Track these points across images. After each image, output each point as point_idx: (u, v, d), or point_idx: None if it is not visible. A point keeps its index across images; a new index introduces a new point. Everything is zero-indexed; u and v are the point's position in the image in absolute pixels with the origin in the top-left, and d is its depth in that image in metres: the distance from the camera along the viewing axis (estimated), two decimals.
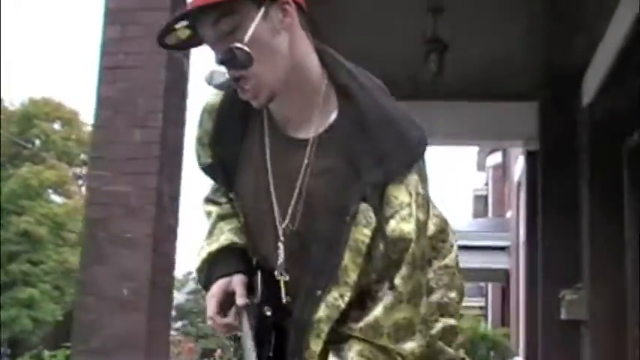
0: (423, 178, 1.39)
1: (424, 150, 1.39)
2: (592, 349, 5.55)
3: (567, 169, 6.13)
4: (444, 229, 1.66)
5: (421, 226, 1.36)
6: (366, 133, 1.35)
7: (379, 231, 1.32)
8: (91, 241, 3.41)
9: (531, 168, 6.62)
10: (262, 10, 1.31)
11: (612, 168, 5.65)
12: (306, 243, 1.38)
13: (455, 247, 1.67)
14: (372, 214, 1.33)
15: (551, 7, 5.20)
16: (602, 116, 5.74)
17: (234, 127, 1.46)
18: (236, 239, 1.52)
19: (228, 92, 1.44)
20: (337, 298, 1.34)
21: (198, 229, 1.62)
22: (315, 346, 1.34)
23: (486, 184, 17.04)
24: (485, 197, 17.20)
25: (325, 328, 1.34)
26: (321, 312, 1.34)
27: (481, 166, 19.31)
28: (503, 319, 11.82)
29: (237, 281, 1.49)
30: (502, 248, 11.98)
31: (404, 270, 1.33)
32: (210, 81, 1.35)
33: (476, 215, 20.36)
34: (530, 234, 6.51)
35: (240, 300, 1.44)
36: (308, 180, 1.37)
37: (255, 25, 1.30)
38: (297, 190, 1.38)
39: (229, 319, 1.48)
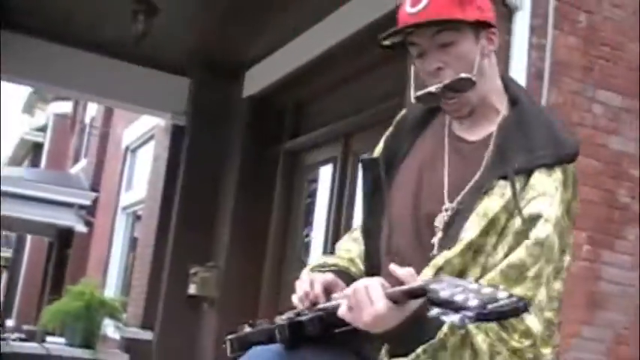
0: (568, 185, 1.49)
1: (575, 155, 1.51)
2: (218, 324, 6.05)
3: (214, 150, 6.54)
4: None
5: (559, 222, 1.43)
6: (522, 131, 1.52)
7: (514, 208, 1.42)
8: None
9: (175, 142, 6.84)
10: (480, 37, 1.54)
11: (265, 161, 6.26)
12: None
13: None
14: (508, 190, 1.43)
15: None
16: (261, 112, 6.31)
17: (406, 135, 1.71)
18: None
19: (409, 109, 1.75)
20: (449, 251, 1.44)
21: None
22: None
23: (42, 130, 16.29)
24: (40, 145, 16.48)
25: (429, 272, 1.43)
26: (433, 261, 1.45)
27: (28, 109, 18.40)
28: (128, 288, 11.47)
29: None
30: (67, 204, 11.81)
31: (532, 247, 1.39)
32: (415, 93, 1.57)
33: (14, 162, 19.34)
34: (166, 207, 6.73)
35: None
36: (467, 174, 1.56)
37: (478, 54, 1.52)
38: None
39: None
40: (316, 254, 5.63)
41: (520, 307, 1.01)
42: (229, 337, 1.62)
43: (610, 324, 3.90)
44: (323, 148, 5.71)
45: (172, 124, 6.90)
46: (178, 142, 6.77)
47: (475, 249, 1.43)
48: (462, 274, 1.42)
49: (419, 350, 1.32)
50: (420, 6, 1.50)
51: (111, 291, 8.86)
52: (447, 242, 1.47)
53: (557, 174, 1.47)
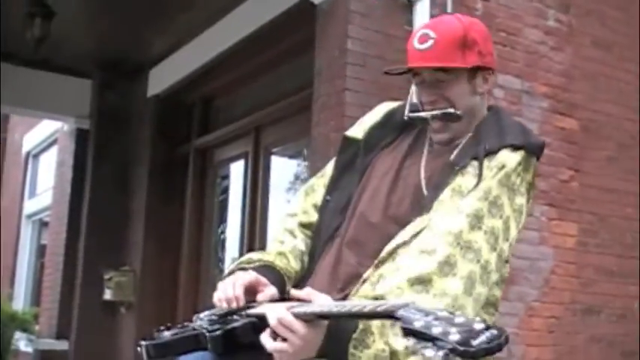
0: (528, 168, 1.63)
1: (540, 147, 1.68)
2: (136, 328, 5.98)
3: (121, 152, 6.45)
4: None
5: (491, 191, 1.58)
6: (497, 125, 1.69)
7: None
8: None
9: (81, 146, 6.70)
10: (475, 77, 1.71)
11: (175, 160, 6.21)
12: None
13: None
14: (480, 171, 1.58)
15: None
16: (168, 110, 6.26)
17: (392, 129, 1.83)
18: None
19: (400, 106, 1.83)
20: (421, 220, 1.57)
21: None
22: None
23: None
24: None
25: (397, 235, 1.57)
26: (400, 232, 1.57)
27: None
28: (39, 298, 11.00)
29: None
30: None
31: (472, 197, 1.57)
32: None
33: None
34: (74, 212, 6.59)
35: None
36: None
37: (468, 93, 1.70)
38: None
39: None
40: (232, 251, 5.66)
41: (502, 343, 1.02)
42: (144, 342, 1.60)
43: (521, 298, 4.09)
44: (233, 144, 5.72)
45: (76, 128, 6.74)
46: (84, 145, 6.64)
47: None
48: None
49: (351, 349, 1.40)
50: (427, 45, 1.66)
51: (20, 302, 8.59)
52: (419, 210, 1.59)
53: (521, 152, 1.62)
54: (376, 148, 1.79)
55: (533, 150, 1.65)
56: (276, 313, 1.37)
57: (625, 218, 4.53)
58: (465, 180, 1.57)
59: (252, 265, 1.69)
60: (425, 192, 1.63)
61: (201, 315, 1.62)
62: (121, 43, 6.13)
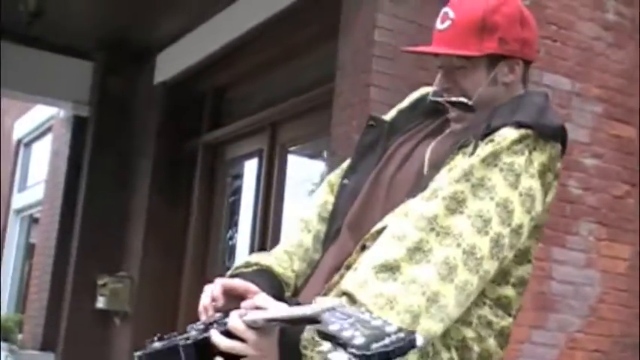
0: (536, 156, 1.61)
1: (551, 128, 1.64)
2: (132, 342, 6.07)
3: (122, 144, 6.57)
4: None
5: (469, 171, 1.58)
6: (512, 105, 1.70)
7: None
8: None
9: (77, 135, 6.82)
10: (495, 65, 1.74)
11: (181, 156, 6.31)
12: None
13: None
14: (474, 149, 1.61)
15: None
16: (176, 99, 6.35)
17: (421, 113, 1.89)
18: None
19: (420, 97, 1.92)
20: (409, 203, 1.62)
21: None
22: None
23: None
24: None
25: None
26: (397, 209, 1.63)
27: None
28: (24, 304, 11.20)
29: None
30: None
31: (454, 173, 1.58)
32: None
33: None
34: (68, 209, 6.71)
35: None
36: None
37: (485, 84, 1.74)
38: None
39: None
40: (242, 259, 5.71)
41: (405, 346, 1.09)
42: (137, 353, 1.67)
43: (562, 327, 4.12)
44: (247, 140, 5.80)
45: (73, 115, 6.87)
46: (81, 135, 6.77)
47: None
48: None
49: (302, 351, 1.48)
50: (444, 26, 1.75)
51: (3, 308, 8.73)
52: (415, 192, 1.64)
53: (522, 131, 1.60)
54: (400, 132, 1.86)
55: (543, 130, 1.63)
56: (230, 320, 1.48)
57: None
58: (462, 160, 1.61)
59: (248, 270, 1.78)
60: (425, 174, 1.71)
61: (195, 325, 1.69)
62: (126, 22, 6.24)
